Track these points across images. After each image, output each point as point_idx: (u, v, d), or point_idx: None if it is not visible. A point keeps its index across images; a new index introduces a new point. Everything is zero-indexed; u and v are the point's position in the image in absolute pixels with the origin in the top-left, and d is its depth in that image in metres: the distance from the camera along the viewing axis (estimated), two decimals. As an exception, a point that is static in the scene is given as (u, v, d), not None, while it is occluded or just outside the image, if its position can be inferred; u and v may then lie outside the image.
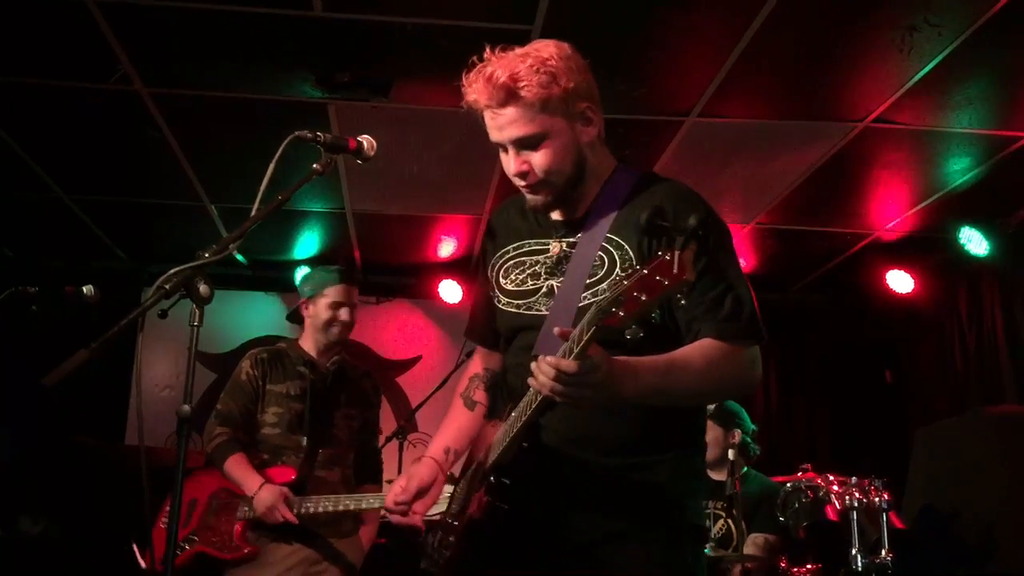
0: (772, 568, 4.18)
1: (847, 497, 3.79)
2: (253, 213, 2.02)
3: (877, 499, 3.76)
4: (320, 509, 3.48)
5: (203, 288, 1.79)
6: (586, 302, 1.92)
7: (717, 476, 4.68)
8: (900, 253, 6.35)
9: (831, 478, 3.97)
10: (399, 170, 5.26)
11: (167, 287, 1.74)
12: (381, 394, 4.08)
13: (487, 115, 1.96)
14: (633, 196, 2.01)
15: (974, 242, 5.74)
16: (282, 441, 3.59)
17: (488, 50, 1.97)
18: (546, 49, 1.95)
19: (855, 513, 3.73)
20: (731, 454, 4.11)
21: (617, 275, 1.87)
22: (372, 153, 2.24)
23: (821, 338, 7.29)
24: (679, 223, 1.58)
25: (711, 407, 4.73)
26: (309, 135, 2.15)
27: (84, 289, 3.41)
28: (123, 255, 6.79)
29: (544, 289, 2.04)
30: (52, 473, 5.44)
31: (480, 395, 2.28)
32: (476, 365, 2.34)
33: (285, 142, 2.10)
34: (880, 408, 7.09)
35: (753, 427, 4.72)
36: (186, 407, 1.71)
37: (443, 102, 4.42)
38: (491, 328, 2.23)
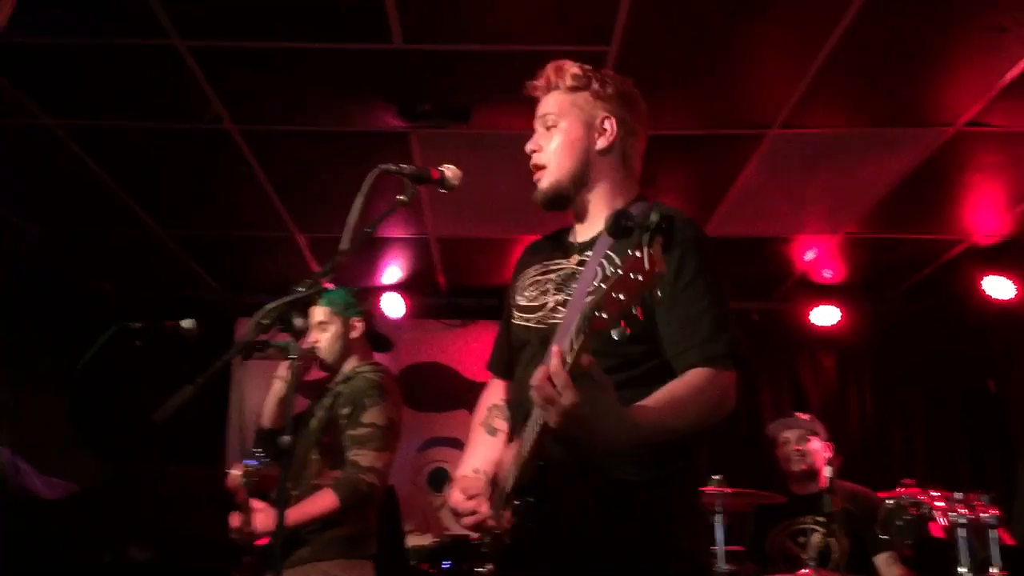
0: None
1: (952, 513, 3.67)
2: (342, 246, 2.05)
3: (984, 515, 3.63)
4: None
5: (298, 321, 1.85)
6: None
7: (802, 491, 4.55)
8: (997, 258, 6.13)
9: (934, 493, 3.85)
10: (480, 194, 5.31)
11: (265, 323, 1.80)
12: None
13: None
14: None
15: (1077, 244, 5.53)
16: None
17: None
18: (607, 71, 2.19)
19: (962, 529, 3.61)
20: (827, 470, 4.02)
21: (597, 284, 1.89)
22: (456, 182, 2.26)
23: (916, 348, 7.05)
24: (640, 221, 1.54)
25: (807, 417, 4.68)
26: (394, 168, 2.16)
27: (183, 323, 3.53)
28: (217, 286, 7.00)
29: (551, 304, 2.12)
30: (151, 500, 5.61)
31: (500, 423, 2.30)
32: (494, 395, 2.37)
33: (370, 177, 2.10)
34: (983, 419, 6.84)
35: None
36: (287, 438, 1.77)
37: (522, 125, 4.40)
38: (509, 359, 2.29)
